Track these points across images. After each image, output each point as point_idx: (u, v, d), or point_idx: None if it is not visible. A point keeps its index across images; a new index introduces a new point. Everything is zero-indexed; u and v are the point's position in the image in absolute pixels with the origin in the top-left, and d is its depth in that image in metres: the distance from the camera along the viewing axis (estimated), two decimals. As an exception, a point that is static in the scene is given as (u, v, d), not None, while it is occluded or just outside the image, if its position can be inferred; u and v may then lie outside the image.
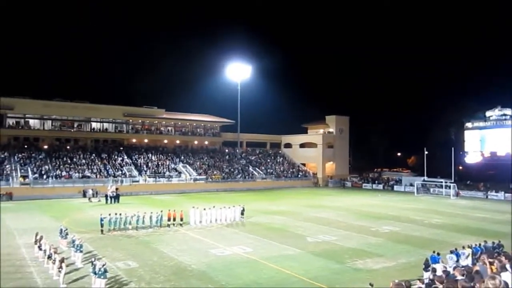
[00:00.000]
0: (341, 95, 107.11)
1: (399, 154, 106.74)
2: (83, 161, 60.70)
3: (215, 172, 68.57)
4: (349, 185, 77.93)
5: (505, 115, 65.20)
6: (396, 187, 71.16)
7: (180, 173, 65.46)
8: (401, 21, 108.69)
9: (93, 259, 18.27)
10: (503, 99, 68.11)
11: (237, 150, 79.83)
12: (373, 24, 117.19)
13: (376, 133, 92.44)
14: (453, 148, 60.41)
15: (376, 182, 76.77)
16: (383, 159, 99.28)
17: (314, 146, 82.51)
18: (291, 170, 79.33)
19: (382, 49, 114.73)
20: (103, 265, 16.88)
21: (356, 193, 65.08)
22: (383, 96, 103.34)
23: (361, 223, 34.40)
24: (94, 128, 70.09)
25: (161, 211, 31.87)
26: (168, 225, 31.05)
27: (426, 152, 63.41)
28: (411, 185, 66.39)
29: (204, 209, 33.44)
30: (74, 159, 60.35)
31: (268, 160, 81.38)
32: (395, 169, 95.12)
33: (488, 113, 67.41)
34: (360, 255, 23.22)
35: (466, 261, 18.53)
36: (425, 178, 63.79)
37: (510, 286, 6.27)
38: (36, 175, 53.57)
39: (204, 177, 65.82)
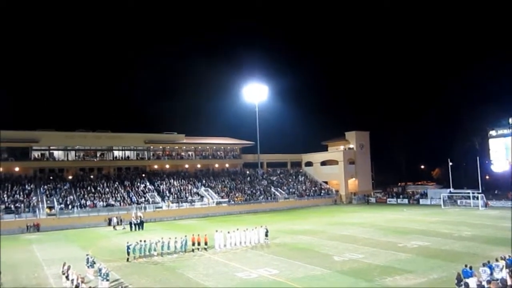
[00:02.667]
0: (360, 110, 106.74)
1: (422, 166, 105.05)
2: (107, 189, 61.47)
3: (237, 195, 68.49)
4: (373, 200, 76.76)
5: (530, 121, 63.78)
6: (421, 201, 69.71)
7: (202, 197, 65.59)
8: (420, 32, 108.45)
9: (119, 288, 18.28)
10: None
11: (258, 171, 79.74)
12: (391, 36, 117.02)
13: (398, 146, 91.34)
14: (478, 158, 59.22)
15: (401, 196, 75.43)
16: (407, 172, 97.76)
17: (335, 163, 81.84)
18: (313, 188, 78.67)
19: (400, 61, 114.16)
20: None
21: (381, 208, 63.96)
22: (403, 109, 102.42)
23: (388, 239, 33.69)
24: (116, 157, 71.11)
25: (185, 236, 31.86)
26: (193, 250, 30.97)
27: (450, 163, 62.26)
28: (438, 198, 64.89)
29: (228, 232, 33.29)
30: (98, 188, 61.17)
31: (290, 180, 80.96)
32: (419, 182, 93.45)
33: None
34: (389, 272, 22.65)
35: (501, 274, 17.87)
36: (451, 189, 62.41)
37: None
38: (62, 205, 54.40)
39: (227, 199, 65.76)
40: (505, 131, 67.02)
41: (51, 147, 65.91)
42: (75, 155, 67.93)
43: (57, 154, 66.97)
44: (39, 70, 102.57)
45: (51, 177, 62.93)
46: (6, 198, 53.72)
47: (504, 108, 71.15)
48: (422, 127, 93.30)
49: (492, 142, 69.00)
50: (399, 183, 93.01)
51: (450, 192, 62.77)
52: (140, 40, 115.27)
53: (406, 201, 71.90)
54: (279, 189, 74.98)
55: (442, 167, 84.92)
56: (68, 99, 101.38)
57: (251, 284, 21.53)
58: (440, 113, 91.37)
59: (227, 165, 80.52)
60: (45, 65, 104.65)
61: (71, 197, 57.10)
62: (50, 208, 53.57)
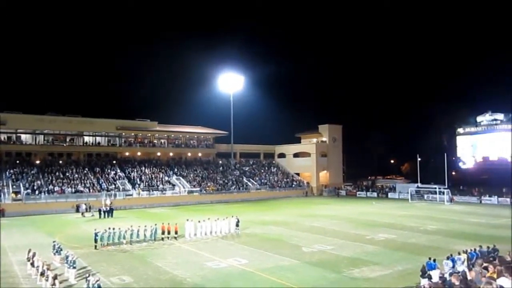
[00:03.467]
0: (334, 104, 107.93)
1: (392, 161, 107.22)
2: (76, 175, 60.25)
3: (209, 184, 68.34)
4: (344, 193, 77.98)
5: (495, 120, 65.83)
6: (390, 195, 71.27)
7: (174, 185, 65.16)
8: (393, 29, 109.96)
9: (87, 275, 18.04)
10: (493, 104, 68.93)
11: (231, 161, 79.70)
12: (364, 32, 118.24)
13: (369, 141, 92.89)
14: (445, 154, 60.82)
15: (370, 190, 76.91)
16: (377, 166, 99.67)
17: (307, 155, 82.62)
18: (285, 180, 79.24)
19: (373, 57, 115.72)
20: (97, 281, 16.66)
21: (350, 201, 65.07)
22: (376, 104, 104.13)
23: (357, 232, 34.33)
24: (87, 142, 69.69)
25: (155, 225, 31.61)
26: (163, 239, 30.78)
27: (419, 159, 63.72)
28: (406, 192, 66.45)
29: (199, 221, 33.22)
30: (67, 174, 59.89)
31: (262, 171, 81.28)
32: (389, 177, 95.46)
33: (479, 118, 68.03)
34: (356, 264, 23.12)
35: (462, 267, 18.49)
36: (419, 184, 64.00)
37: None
38: (29, 190, 53.05)
39: (198, 189, 65.55)
40: (472, 129, 69.06)
41: (19, 130, 64.00)
42: (44, 139, 66.23)
43: (25, 137, 65.16)
44: (7, 50, 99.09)
45: (17, 161, 61.20)
46: (-31, 182, 52.02)
47: (472, 107, 73.39)
48: (394, 123, 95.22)
49: (459, 140, 71.01)
50: (369, 177, 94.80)
51: (418, 187, 64.36)
52: (116, 25, 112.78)
53: (375, 194, 73.36)
54: (251, 179, 75.19)
55: (411, 162, 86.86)
56: (38, 81, 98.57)
57: (221, 274, 21.60)
58: (411, 110, 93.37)
59: (199, 154, 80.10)
60: (15, 45, 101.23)
61: (39, 182, 55.75)
62: (16, 193, 52.16)
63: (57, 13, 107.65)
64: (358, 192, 76.63)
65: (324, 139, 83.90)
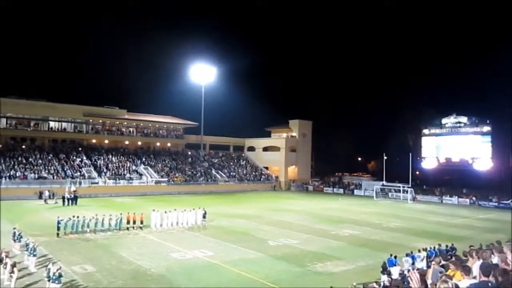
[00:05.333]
0: (305, 99, 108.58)
1: (360, 159, 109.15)
2: (40, 161, 58.58)
3: (177, 175, 67.82)
4: (311, 189, 78.96)
5: (459, 122, 67.86)
6: (356, 191, 72.64)
7: (141, 175, 64.32)
8: (361, 27, 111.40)
9: (47, 263, 17.67)
10: (458, 107, 71.06)
11: (200, 153, 79.28)
12: (334, 29, 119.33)
13: (338, 138, 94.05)
14: (410, 154, 62.40)
15: (337, 186, 78.16)
16: (345, 163, 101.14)
17: (277, 149, 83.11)
18: (254, 173, 79.53)
19: (344, 55, 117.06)
20: (58, 270, 16.36)
21: (317, 197, 65.97)
22: (345, 102, 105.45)
23: (322, 227, 34.89)
24: (52, 128, 67.71)
25: (121, 214, 31.18)
26: (128, 228, 30.42)
27: (385, 157, 65.14)
28: (371, 189, 67.89)
29: (165, 212, 32.99)
30: (30, 159, 58.14)
31: (231, 163, 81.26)
32: (355, 174, 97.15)
33: (444, 120, 69.94)
34: (320, 259, 23.52)
35: (421, 264, 19.12)
36: (384, 182, 65.45)
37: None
38: (-11, 175, 51.25)
39: (166, 179, 64.95)
40: (437, 131, 70.98)
41: (-21, 113, 61.59)
42: (7, 123, 63.92)
43: (-14, 120, 62.76)
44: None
45: (-23, 145, 58.99)
46: None
47: (438, 108, 75.35)
48: (362, 121, 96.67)
49: (424, 140, 72.84)
50: (337, 173, 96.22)
51: (383, 185, 65.80)
52: (88, 8, 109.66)
53: (341, 190, 74.59)
54: (220, 171, 75.07)
55: (377, 160, 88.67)
56: (1, 62, 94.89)
57: (186, 265, 21.57)
58: (380, 109, 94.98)
59: (169, 145, 79.31)
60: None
61: (0, 166, 53.92)
62: (-25, 177, 50.34)
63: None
64: (325, 188, 77.72)
65: (294, 134, 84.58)
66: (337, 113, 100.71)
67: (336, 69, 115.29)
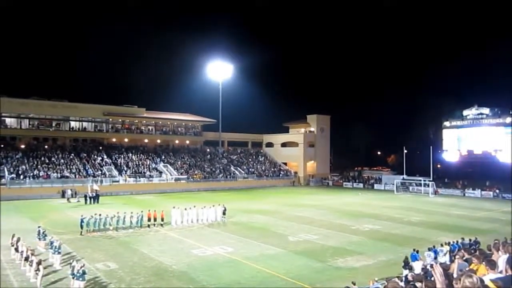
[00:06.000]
0: (323, 94, 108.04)
1: (379, 153, 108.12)
2: (62, 160, 59.66)
3: (196, 172, 68.24)
4: (330, 183, 78.55)
5: (481, 114, 66.53)
6: (376, 186, 71.96)
7: (161, 172, 64.93)
8: (381, 21, 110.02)
9: (71, 261, 18.00)
10: (479, 98, 69.64)
11: (219, 150, 79.58)
12: (354, 23, 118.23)
13: (357, 132, 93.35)
14: (431, 147, 61.47)
15: (357, 180, 77.56)
16: (364, 158, 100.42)
17: (295, 145, 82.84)
18: (272, 169, 79.49)
19: (363, 48, 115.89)
20: (82, 267, 16.64)
21: (337, 191, 65.59)
22: (364, 96, 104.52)
23: (342, 222, 34.68)
24: (73, 127, 68.87)
25: (142, 212, 31.56)
26: (149, 226, 30.76)
27: (405, 151, 64.35)
28: (391, 183, 67.12)
29: (185, 209, 33.25)
30: (53, 159, 59.27)
31: (250, 160, 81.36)
32: (375, 168, 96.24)
33: (465, 112, 68.67)
34: (341, 254, 23.40)
35: (444, 258, 18.86)
36: (405, 176, 64.69)
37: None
38: (13, 175, 52.42)
39: (186, 176, 65.42)
40: (458, 123, 69.75)
41: (3, 114, 62.93)
42: (29, 124, 65.25)
43: (10, 121, 64.10)
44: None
45: (2, 145, 60.30)
46: (-48, 165, 51.22)
47: (459, 100, 74.03)
48: (381, 114, 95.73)
49: (445, 133, 71.67)
50: (356, 168, 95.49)
51: (403, 179, 65.03)
52: (106, 10, 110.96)
53: (361, 185, 73.99)
54: (238, 168, 75.25)
55: (397, 154, 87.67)
56: (24, 65, 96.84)
57: (206, 261, 21.71)
58: (399, 102, 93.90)
59: (187, 142, 79.81)
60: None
61: (23, 166, 55.08)
62: (0, 177, 51.50)
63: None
64: (344, 183, 77.20)
65: (312, 129, 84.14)
66: (355, 107, 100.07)
67: (354, 62, 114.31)
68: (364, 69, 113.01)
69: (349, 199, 54.08)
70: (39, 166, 56.17)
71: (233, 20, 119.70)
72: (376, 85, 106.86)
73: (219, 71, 74.35)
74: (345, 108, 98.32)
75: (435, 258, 19.08)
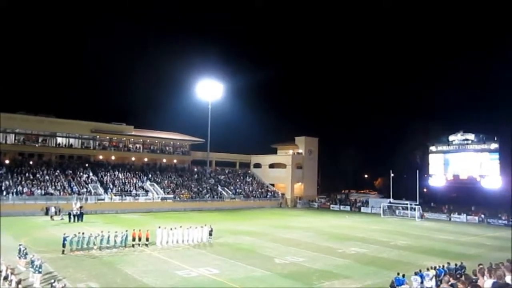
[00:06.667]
0: (311, 116, 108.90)
1: (366, 176, 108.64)
2: (47, 177, 58.80)
3: (183, 191, 67.73)
4: (317, 206, 78.48)
5: (467, 139, 67.42)
6: (363, 209, 72.08)
7: (147, 191, 64.29)
8: (369, 44, 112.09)
9: (52, 281, 17.59)
10: (465, 124, 70.68)
11: (206, 169, 79.27)
12: (340, 46, 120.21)
13: (345, 155, 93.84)
14: (418, 171, 62.04)
15: (344, 203, 77.65)
16: (351, 180, 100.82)
17: (283, 166, 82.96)
18: (260, 190, 79.27)
19: (351, 72, 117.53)
20: (63, 287, 16.23)
21: (324, 214, 65.51)
22: (352, 118, 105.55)
23: (329, 244, 34.54)
24: (59, 144, 68.12)
25: (126, 231, 31.08)
26: (133, 245, 30.27)
27: (392, 175, 64.78)
28: (378, 207, 67.28)
29: (171, 229, 32.85)
30: (37, 175, 58.38)
31: (237, 180, 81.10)
32: (362, 191, 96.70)
33: (451, 138, 69.53)
34: (327, 277, 23.23)
35: (430, 283, 18.80)
36: (391, 200, 64.99)
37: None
38: (-4, 191, 51.46)
39: (172, 196, 64.87)
40: (444, 148, 70.56)
41: (-12, 128, 62.10)
42: (15, 139, 64.46)
43: (-5, 136, 63.24)
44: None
45: (-15, 160, 59.36)
46: None
47: (445, 125, 75.06)
48: (368, 137, 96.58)
49: (431, 157, 72.37)
50: (343, 190, 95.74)
51: (390, 202, 65.32)
52: (95, 27, 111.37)
53: (348, 208, 74.06)
54: (226, 188, 74.90)
55: (384, 178, 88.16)
56: (10, 78, 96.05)
57: (191, 283, 21.37)
58: (386, 126, 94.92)
59: (175, 161, 79.42)
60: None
61: (7, 182, 54.13)
62: (-17, 193, 50.53)
63: (32, 9, 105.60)
64: (331, 205, 77.24)
65: (300, 151, 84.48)
66: (343, 130, 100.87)
67: (342, 86, 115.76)
68: (352, 93, 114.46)
69: (336, 221, 54.01)
70: (23, 182, 55.24)
71: (223, 39, 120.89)
72: (364, 108, 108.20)
73: (208, 90, 74.60)
74: (333, 131, 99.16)
75: (422, 282, 19.02)
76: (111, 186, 61.95)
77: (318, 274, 23.83)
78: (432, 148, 72.39)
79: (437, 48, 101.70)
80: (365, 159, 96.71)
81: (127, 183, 64.40)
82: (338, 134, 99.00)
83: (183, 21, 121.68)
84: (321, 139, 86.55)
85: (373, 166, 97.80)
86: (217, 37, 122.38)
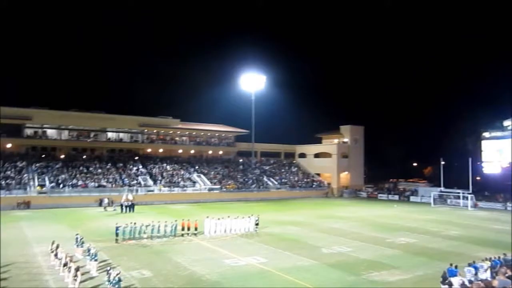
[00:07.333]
0: (356, 104, 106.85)
1: (415, 164, 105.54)
2: (99, 170, 61.35)
3: (229, 182, 68.63)
4: (364, 195, 77.27)
5: (523, 124, 64.02)
6: (412, 198, 70.24)
7: (194, 182, 65.68)
8: (418, 29, 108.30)
9: (108, 268, 18.37)
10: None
11: (252, 160, 79.83)
12: (389, 32, 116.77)
13: (392, 143, 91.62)
14: (470, 159, 59.51)
15: (392, 192, 75.97)
16: (399, 169, 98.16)
17: (328, 156, 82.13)
18: (305, 180, 78.97)
19: (398, 58, 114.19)
20: (118, 274, 16.93)
21: (371, 203, 64.41)
22: (399, 106, 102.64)
23: (377, 234, 33.98)
24: (109, 138, 70.86)
25: (176, 221, 31.95)
26: (182, 235, 31.09)
27: (442, 162, 62.57)
28: (428, 196, 65.31)
29: (219, 219, 33.44)
30: (90, 169, 61.04)
31: (283, 170, 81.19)
32: (411, 180, 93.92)
33: (505, 123, 66.22)
34: (375, 267, 22.89)
35: (485, 275, 18.12)
36: (442, 188, 62.84)
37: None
38: (53, 184, 54.32)
39: (219, 187, 65.89)
40: (498, 134, 67.33)
41: (44, 126, 65.51)
42: (69, 135, 67.62)
43: (50, 132, 66.64)
44: (35, 47, 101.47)
45: (43, 155, 62.70)
46: (-3, 174, 53.53)
47: (499, 110, 71.50)
48: (417, 125, 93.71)
49: (485, 144, 69.32)
50: (391, 180, 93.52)
51: (441, 191, 63.21)
52: (139, 24, 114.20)
53: (396, 197, 72.39)
54: (271, 179, 75.18)
55: (434, 166, 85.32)
56: (64, 78, 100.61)
57: (239, 272, 21.70)
58: (436, 112, 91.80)
59: (220, 152, 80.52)
60: (41, 44, 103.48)
61: (63, 176, 56.97)
62: (42, 186, 53.47)
63: (85, 11, 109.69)
64: (379, 195, 75.79)
65: (345, 140, 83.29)
66: (390, 117, 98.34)
67: (389, 71, 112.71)
68: (399, 78, 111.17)
69: (384, 211, 52.99)
70: (77, 176, 57.92)
71: (266, 31, 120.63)
72: (412, 94, 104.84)
73: (252, 82, 74.74)
74: (380, 119, 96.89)
75: (476, 274, 18.36)
76: (160, 178, 63.74)
77: (366, 264, 23.54)
78: (486, 134, 69.27)
79: (491, 32, 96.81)
80: (414, 147, 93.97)
81: (175, 175, 66.05)
82: (385, 122, 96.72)
83: (226, 14, 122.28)
84: (367, 128, 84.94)
85: (422, 154, 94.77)
86: (260, 28, 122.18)
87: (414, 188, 76.52)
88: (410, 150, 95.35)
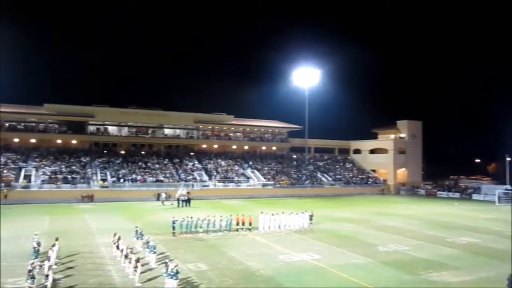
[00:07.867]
0: (413, 99, 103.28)
1: (477, 160, 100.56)
2: (157, 165, 63.47)
3: (283, 178, 68.69)
4: (423, 192, 74.64)
5: None
6: (474, 196, 66.95)
7: (248, 178, 66.33)
8: (479, 27, 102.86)
9: (166, 261, 18.97)
10: None
11: (305, 156, 79.39)
12: (448, 27, 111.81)
13: (452, 138, 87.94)
14: (539, 155, 55.90)
15: (453, 190, 72.82)
16: (460, 166, 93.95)
17: (384, 152, 80.00)
18: (360, 176, 77.50)
19: (457, 51, 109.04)
20: (175, 267, 17.44)
21: (430, 201, 62.10)
22: (459, 100, 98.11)
23: (436, 233, 32.74)
24: (166, 134, 73.15)
25: (230, 216, 32.43)
26: (237, 230, 31.50)
27: (508, 159, 59.17)
28: (492, 194, 61.99)
29: (273, 214, 33.55)
30: (149, 164, 63.29)
31: (337, 166, 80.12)
32: (473, 177, 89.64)
33: None
34: (434, 267, 22.08)
35: (556, 278, 16.98)
36: (508, 186, 59.46)
37: None
38: (114, 178, 56.84)
39: (272, 182, 66.12)
40: None
41: (106, 122, 68.69)
42: (128, 131, 70.48)
43: (111, 129, 69.78)
44: (97, 50, 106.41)
45: (105, 151, 65.80)
46: (64, 169, 56.78)
47: None
48: (480, 119, 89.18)
49: (556, 139, 64.78)
50: (451, 176, 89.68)
51: (506, 189, 59.84)
52: (193, 22, 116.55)
53: (457, 195, 69.31)
54: (325, 175, 74.44)
55: (499, 162, 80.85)
56: (123, 77, 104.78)
57: (293, 267, 21.70)
58: (500, 106, 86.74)
59: (274, 148, 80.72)
60: (103, 47, 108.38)
61: (123, 171, 59.46)
62: (104, 180, 56.12)
63: (140, 10, 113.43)
64: (438, 192, 72.90)
65: (402, 135, 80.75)
66: (450, 112, 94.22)
67: (449, 63, 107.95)
68: (459, 69, 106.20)
69: (443, 209, 50.92)
70: (136, 171, 60.26)
71: (319, 25, 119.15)
72: (473, 88, 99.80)
73: (305, 77, 74.15)
74: (439, 113, 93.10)
75: (545, 277, 17.25)
76: (215, 173, 64.94)
77: (425, 264, 22.75)
78: (557, 128, 64.72)
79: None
80: (476, 143, 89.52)
81: (229, 170, 67.04)
82: (444, 116, 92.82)
83: (280, 9, 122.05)
84: (425, 122, 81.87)
85: (486, 150, 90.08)
86: (313, 22, 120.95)
87: (477, 185, 72.94)
88: (473, 146, 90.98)
